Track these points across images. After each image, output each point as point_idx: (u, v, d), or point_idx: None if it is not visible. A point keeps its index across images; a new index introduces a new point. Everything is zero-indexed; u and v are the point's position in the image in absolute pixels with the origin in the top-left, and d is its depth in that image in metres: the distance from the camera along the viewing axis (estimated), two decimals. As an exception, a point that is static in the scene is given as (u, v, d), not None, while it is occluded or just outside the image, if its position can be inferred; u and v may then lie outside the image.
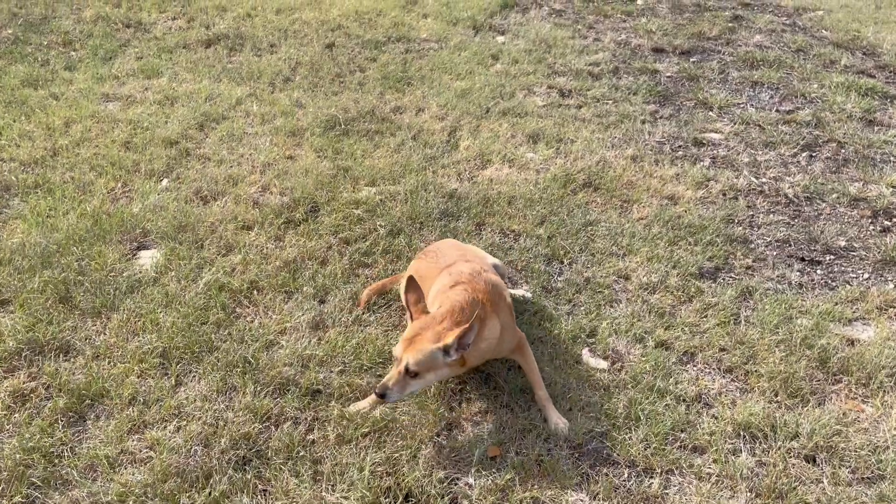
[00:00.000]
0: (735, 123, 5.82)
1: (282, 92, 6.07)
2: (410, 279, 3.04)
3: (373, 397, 3.09)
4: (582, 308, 3.78)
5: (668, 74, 6.72)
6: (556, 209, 4.56)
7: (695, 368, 3.45)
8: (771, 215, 4.66)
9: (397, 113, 5.77)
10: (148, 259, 3.97)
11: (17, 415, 3.00)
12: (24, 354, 3.28)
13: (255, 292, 3.76)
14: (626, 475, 2.89)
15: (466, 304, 2.97)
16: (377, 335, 3.51)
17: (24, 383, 3.14)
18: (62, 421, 2.99)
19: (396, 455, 2.90)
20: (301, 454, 2.88)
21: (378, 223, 4.31)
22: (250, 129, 5.45)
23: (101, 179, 4.68)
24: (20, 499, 2.66)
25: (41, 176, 4.69)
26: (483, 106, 5.87)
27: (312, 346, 3.42)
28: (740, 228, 4.49)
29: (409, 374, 2.79)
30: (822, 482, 2.87)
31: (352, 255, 4.06)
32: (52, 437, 2.90)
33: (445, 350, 2.81)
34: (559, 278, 4.00)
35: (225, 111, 5.67)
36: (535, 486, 2.81)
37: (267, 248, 4.09)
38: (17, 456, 2.79)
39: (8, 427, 2.95)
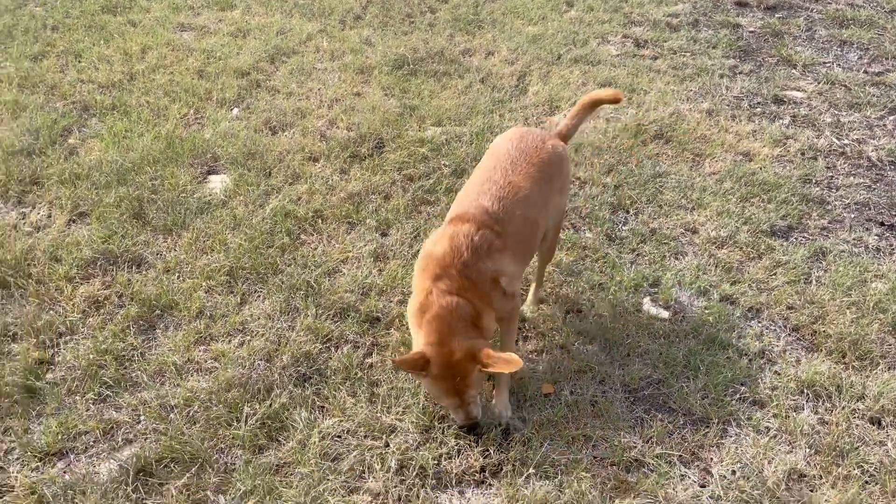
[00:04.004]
0: (819, 83, 5.54)
1: (352, 29, 6.04)
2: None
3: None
4: (646, 258, 3.71)
5: (751, 29, 6.42)
6: (625, 159, 4.45)
7: (759, 325, 3.35)
8: (851, 177, 4.45)
9: (466, 55, 5.68)
10: (217, 183, 4.05)
11: (91, 319, 3.14)
12: (99, 264, 3.42)
13: (319, 221, 3.81)
14: (681, 422, 2.86)
15: (452, 319, 2.54)
16: (437, 270, 3.52)
17: (98, 290, 3.27)
18: (133, 328, 3.11)
19: (452, 385, 2.92)
20: (359, 376, 2.93)
21: (443, 162, 4.30)
22: (319, 65, 5.46)
23: (175, 105, 4.77)
24: (92, 395, 2.80)
25: (118, 98, 4.81)
26: (554, 52, 5.73)
27: (373, 275, 3.46)
28: (817, 189, 4.31)
29: (472, 396, 2.62)
30: (887, 444, 2.78)
31: (415, 191, 4.06)
32: (123, 342, 3.02)
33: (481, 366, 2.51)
34: (624, 227, 3.93)
35: (295, 46, 5.68)
36: (587, 425, 2.81)
37: (332, 179, 4.13)
38: (91, 356, 2.93)
39: (83, 330, 3.09)
